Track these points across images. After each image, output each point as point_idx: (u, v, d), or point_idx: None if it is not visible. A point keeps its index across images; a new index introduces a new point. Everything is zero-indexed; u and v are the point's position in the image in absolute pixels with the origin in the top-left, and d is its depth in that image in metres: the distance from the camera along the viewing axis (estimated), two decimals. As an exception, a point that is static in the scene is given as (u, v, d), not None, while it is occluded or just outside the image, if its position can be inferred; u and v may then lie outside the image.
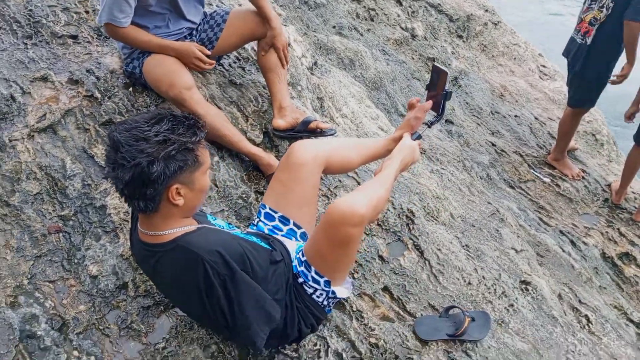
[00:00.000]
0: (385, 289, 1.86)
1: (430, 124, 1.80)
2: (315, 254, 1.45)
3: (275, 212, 1.64)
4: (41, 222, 1.76)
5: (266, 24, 2.06)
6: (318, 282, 1.47)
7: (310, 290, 1.48)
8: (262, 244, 1.49)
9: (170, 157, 1.20)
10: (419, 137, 1.74)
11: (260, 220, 1.67)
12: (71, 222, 1.78)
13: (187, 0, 2.05)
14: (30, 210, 1.77)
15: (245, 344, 1.52)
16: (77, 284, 1.66)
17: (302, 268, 1.48)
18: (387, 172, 1.57)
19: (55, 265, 1.69)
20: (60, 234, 1.75)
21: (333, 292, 1.49)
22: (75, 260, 1.70)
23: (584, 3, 3.19)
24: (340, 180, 2.21)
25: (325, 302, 1.52)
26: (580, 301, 2.34)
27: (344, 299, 1.74)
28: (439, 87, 1.69)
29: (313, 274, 1.46)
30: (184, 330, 1.57)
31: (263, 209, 1.67)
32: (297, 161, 1.63)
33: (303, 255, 1.48)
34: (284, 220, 1.64)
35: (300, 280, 1.49)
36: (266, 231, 1.64)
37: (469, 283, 2.01)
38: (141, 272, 1.66)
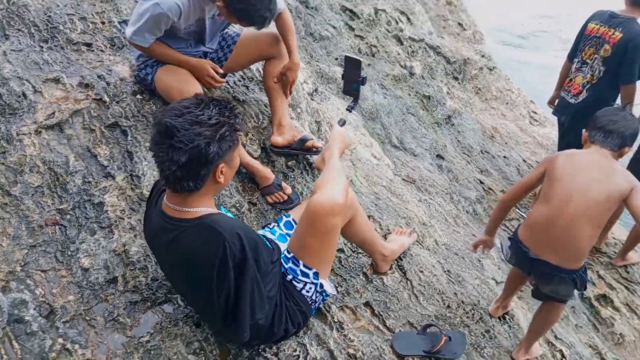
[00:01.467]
0: (367, 304, 1.92)
1: (350, 109, 2.03)
2: (302, 248, 1.55)
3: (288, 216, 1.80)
4: (39, 214, 1.81)
5: (285, 54, 2.21)
6: (307, 275, 1.55)
7: (300, 285, 1.55)
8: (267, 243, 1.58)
9: (223, 138, 1.31)
10: (344, 122, 1.96)
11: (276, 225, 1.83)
12: (68, 216, 1.83)
13: (213, 33, 2.18)
14: (30, 202, 1.83)
15: (232, 335, 1.55)
16: (68, 275, 1.70)
17: (290, 264, 1.55)
18: (333, 161, 1.76)
19: (48, 256, 1.73)
20: (57, 227, 1.81)
21: (321, 285, 1.58)
22: (69, 253, 1.75)
23: (574, 63, 3.40)
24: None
25: (313, 297, 1.59)
26: (556, 336, 2.39)
27: (328, 303, 1.79)
28: (355, 75, 1.91)
29: (302, 267, 1.54)
30: (169, 326, 1.61)
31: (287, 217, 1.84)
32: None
33: (289, 252, 1.56)
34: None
35: (289, 277, 1.56)
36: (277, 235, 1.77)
37: (448, 306, 2.07)
38: (132, 268, 1.72)
